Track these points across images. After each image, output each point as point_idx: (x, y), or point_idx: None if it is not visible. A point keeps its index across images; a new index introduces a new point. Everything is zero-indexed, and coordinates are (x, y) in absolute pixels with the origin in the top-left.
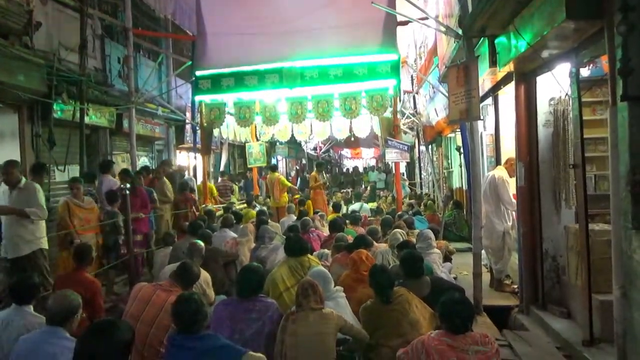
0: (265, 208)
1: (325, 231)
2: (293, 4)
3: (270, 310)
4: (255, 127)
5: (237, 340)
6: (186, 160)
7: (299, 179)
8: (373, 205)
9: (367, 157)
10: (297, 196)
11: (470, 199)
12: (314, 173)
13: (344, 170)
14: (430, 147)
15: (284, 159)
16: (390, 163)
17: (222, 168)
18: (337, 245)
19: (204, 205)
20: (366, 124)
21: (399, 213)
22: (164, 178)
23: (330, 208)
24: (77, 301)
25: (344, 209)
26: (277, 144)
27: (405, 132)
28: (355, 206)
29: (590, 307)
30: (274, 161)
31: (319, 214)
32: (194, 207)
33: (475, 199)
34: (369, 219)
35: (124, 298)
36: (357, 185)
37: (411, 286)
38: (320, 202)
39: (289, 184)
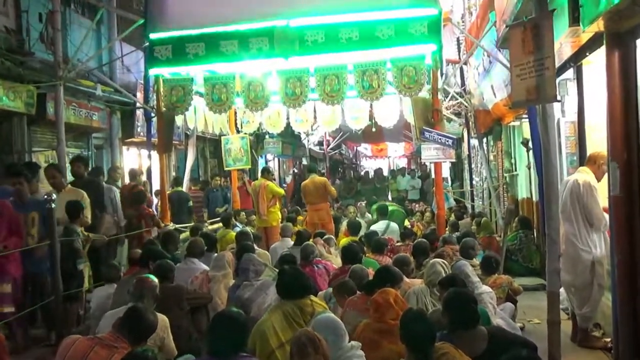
0: (249, 229)
1: (335, 261)
2: None
3: None
4: (235, 113)
5: None
6: (137, 159)
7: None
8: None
9: (394, 156)
10: (297, 227)
11: (543, 214)
12: (317, 177)
13: (362, 173)
14: (485, 140)
15: (276, 159)
16: (427, 164)
17: (187, 172)
18: (343, 284)
19: (163, 225)
20: (393, 109)
21: (443, 236)
22: (69, 186)
23: (344, 227)
24: None
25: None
26: (267, 137)
27: (450, 120)
28: (378, 226)
29: None
30: (261, 161)
31: (325, 237)
32: (152, 225)
33: (550, 215)
34: (396, 244)
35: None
36: (380, 195)
37: (460, 340)
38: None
39: (281, 191)
